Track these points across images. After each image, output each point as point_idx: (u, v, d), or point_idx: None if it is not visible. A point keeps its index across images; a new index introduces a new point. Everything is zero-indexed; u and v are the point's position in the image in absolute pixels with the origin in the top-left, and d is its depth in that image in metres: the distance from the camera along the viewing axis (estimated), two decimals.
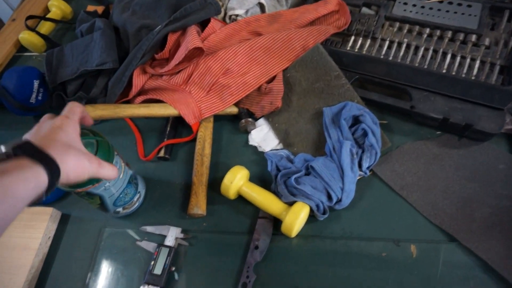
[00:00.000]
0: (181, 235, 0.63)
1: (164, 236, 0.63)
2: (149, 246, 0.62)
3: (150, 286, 0.58)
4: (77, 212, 0.69)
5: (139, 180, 0.66)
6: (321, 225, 0.61)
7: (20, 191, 0.36)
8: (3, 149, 0.39)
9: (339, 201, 0.60)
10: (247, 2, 0.81)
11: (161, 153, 0.71)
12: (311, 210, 0.59)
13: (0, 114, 0.84)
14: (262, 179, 0.67)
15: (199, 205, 0.63)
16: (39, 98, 0.79)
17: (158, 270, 0.59)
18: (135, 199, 0.65)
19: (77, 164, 0.43)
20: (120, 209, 0.63)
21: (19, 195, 0.36)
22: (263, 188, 0.63)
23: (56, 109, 0.79)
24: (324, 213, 0.60)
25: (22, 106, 0.77)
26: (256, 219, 0.62)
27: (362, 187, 0.63)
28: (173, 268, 0.60)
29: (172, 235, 0.62)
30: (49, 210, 0.67)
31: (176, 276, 0.59)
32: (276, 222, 0.61)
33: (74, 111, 0.49)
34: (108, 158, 0.53)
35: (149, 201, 0.68)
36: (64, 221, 0.69)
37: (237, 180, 0.62)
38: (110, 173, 0.49)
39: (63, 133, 0.44)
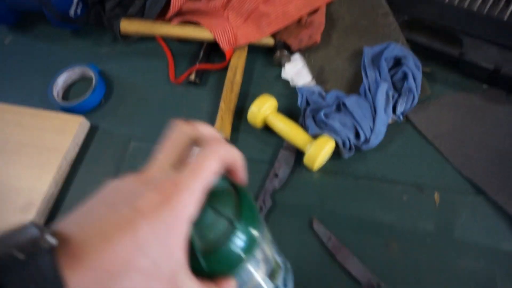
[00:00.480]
0: None
1: None
2: None
3: None
4: (105, 124, 0.71)
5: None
6: (345, 163, 0.60)
7: None
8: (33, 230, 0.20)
9: (367, 141, 0.58)
10: None
11: (192, 77, 0.71)
12: (337, 146, 0.58)
13: (41, 24, 0.85)
14: (290, 113, 0.65)
15: (223, 129, 0.63)
16: (78, 12, 0.80)
17: None
18: None
19: None
20: None
21: None
22: (290, 120, 0.61)
23: (93, 26, 0.80)
24: (350, 150, 0.58)
25: (62, 17, 0.77)
26: (279, 150, 0.62)
27: (393, 132, 0.61)
28: None
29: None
30: (79, 118, 0.69)
31: None
32: (299, 156, 0.60)
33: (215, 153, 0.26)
34: (254, 227, 0.28)
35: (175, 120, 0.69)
36: (92, 132, 0.71)
37: (265, 108, 0.61)
38: None
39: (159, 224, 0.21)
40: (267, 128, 0.64)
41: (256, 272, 0.32)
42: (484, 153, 0.57)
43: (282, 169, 0.60)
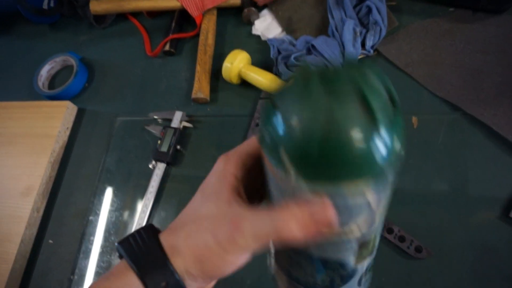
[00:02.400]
0: (186, 118, 0.65)
1: (171, 120, 0.65)
2: (157, 129, 0.65)
3: (157, 162, 0.62)
4: (92, 106, 0.73)
5: None
6: None
7: None
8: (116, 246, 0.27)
9: None
10: None
11: (167, 47, 0.72)
12: None
13: (19, 24, 0.88)
14: (265, 66, 0.66)
15: (202, 90, 0.65)
16: (51, 4, 0.82)
17: (164, 148, 0.62)
18: None
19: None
20: None
21: None
22: (264, 70, 0.63)
23: (69, 17, 0.82)
24: None
25: (36, 10, 0.79)
26: (258, 100, 0.63)
27: None
28: (178, 147, 0.63)
29: (178, 118, 0.65)
30: (65, 103, 0.72)
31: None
32: None
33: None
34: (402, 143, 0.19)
35: (156, 91, 0.71)
36: (80, 114, 0.73)
37: (237, 62, 0.62)
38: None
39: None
40: (244, 84, 0.65)
41: (368, 210, 0.20)
42: (457, 73, 0.58)
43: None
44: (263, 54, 0.68)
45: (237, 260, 0.23)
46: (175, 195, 0.60)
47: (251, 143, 0.26)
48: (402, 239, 0.48)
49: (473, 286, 0.45)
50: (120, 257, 0.25)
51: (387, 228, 0.49)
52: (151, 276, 0.23)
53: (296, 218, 0.20)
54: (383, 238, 0.49)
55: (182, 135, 0.64)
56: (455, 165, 0.52)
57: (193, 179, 0.61)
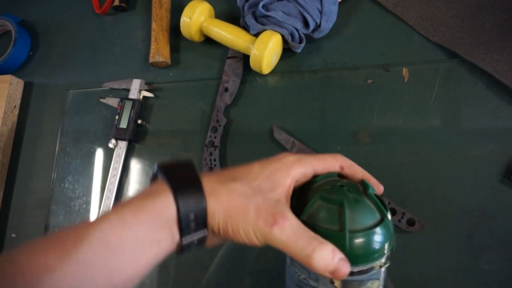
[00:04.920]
0: (146, 87, 0.57)
1: (128, 90, 0.57)
2: (113, 102, 0.57)
3: (118, 140, 0.55)
4: (39, 78, 0.64)
5: None
6: (299, 59, 0.53)
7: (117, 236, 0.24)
8: (154, 168, 0.28)
9: (318, 26, 0.50)
10: None
11: (116, 2, 0.61)
12: (285, 40, 0.50)
13: None
14: (230, 18, 0.57)
15: (160, 52, 0.56)
16: None
17: (123, 124, 0.55)
18: None
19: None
20: None
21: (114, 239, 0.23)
22: (229, 23, 0.53)
23: None
24: (300, 42, 0.51)
25: None
26: (225, 60, 0.55)
27: (347, 10, 0.53)
28: (140, 121, 0.55)
29: (136, 87, 0.56)
30: (7, 77, 0.62)
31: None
32: (247, 62, 0.54)
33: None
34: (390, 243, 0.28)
35: (109, 56, 0.61)
36: (28, 90, 0.64)
37: (197, 15, 0.53)
38: (327, 262, 0.24)
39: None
40: (208, 41, 0.56)
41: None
42: (453, 11, 0.49)
43: (231, 81, 0.53)
44: (228, 4, 0.58)
45: (257, 242, 0.26)
46: (142, 175, 0.54)
47: (322, 165, 0.30)
48: (392, 212, 0.43)
49: (469, 257, 0.41)
50: (153, 178, 0.28)
51: None
52: (185, 204, 0.25)
53: (328, 251, 0.24)
54: None
55: (142, 107, 0.56)
56: (452, 122, 0.46)
57: (161, 156, 0.54)
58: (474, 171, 0.43)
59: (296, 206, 0.29)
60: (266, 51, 0.48)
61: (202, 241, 0.26)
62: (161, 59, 0.56)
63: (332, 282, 0.27)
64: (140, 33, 0.61)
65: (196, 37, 0.55)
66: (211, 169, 0.50)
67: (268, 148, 0.50)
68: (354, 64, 0.51)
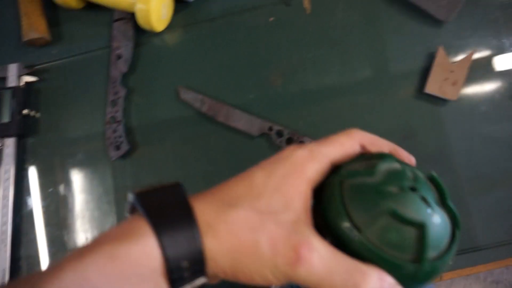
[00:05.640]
0: (26, 71, 0.49)
1: (4, 78, 0.48)
2: None
3: (3, 138, 0.47)
4: None
5: None
6: (194, 9, 0.47)
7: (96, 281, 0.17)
8: (130, 197, 0.21)
9: None
10: None
11: None
12: None
13: None
14: None
15: (34, 27, 0.48)
16: None
17: (6, 118, 0.47)
18: None
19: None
20: None
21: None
22: None
23: None
24: None
25: None
26: (112, 24, 0.48)
27: None
28: (27, 111, 0.48)
29: (13, 73, 0.48)
30: None
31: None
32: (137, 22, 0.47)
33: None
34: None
35: None
36: None
37: None
38: None
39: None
40: (89, 5, 0.49)
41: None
42: None
43: (123, 46, 0.47)
44: None
45: (278, 284, 0.20)
46: (47, 175, 0.47)
47: (339, 151, 0.23)
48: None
49: None
50: (131, 211, 0.21)
51: (287, 138, 0.41)
52: (174, 248, 0.18)
53: (374, 280, 0.19)
54: None
55: (27, 94, 0.48)
56: (362, 46, 0.44)
57: (62, 147, 0.47)
58: (390, 90, 0.42)
59: (324, 215, 0.22)
60: (152, 5, 0.42)
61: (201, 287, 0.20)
62: (36, 35, 0.47)
63: None
64: (7, 11, 0.52)
65: (73, 3, 0.47)
66: (117, 147, 0.44)
67: (178, 111, 0.45)
68: (253, 5, 0.46)
